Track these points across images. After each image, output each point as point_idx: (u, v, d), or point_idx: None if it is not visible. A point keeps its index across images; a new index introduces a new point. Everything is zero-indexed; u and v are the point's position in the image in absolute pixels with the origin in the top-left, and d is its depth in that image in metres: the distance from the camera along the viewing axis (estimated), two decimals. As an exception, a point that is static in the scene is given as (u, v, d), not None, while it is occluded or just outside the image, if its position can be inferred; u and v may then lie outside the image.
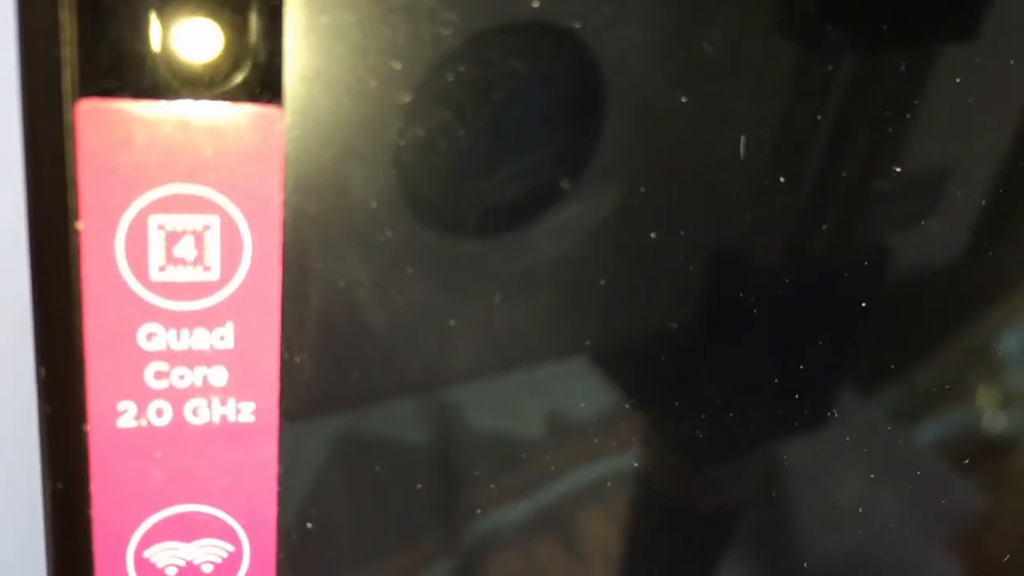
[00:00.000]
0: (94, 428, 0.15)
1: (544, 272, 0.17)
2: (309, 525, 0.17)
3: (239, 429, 0.16)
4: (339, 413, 0.16)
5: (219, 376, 0.15)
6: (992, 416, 0.22)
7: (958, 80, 0.18)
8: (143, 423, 0.15)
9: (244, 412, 0.16)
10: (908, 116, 0.18)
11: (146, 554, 0.16)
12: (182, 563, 0.16)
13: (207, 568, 0.16)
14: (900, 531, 0.22)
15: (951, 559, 0.23)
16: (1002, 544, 0.23)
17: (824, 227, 0.18)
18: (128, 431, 0.15)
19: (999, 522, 0.23)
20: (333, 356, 0.16)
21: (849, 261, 0.19)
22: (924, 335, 0.21)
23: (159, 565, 0.16)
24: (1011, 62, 0.18)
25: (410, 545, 0.18)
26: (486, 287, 0.17)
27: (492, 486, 0.18)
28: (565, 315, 0.17)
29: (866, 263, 0.19)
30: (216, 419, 0.15)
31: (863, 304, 0.19)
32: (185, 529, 0.16)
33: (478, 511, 0.18)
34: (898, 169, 0.18)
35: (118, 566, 0.16)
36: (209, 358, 0.15)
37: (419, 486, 0.18)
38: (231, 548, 0.16)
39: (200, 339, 0.15)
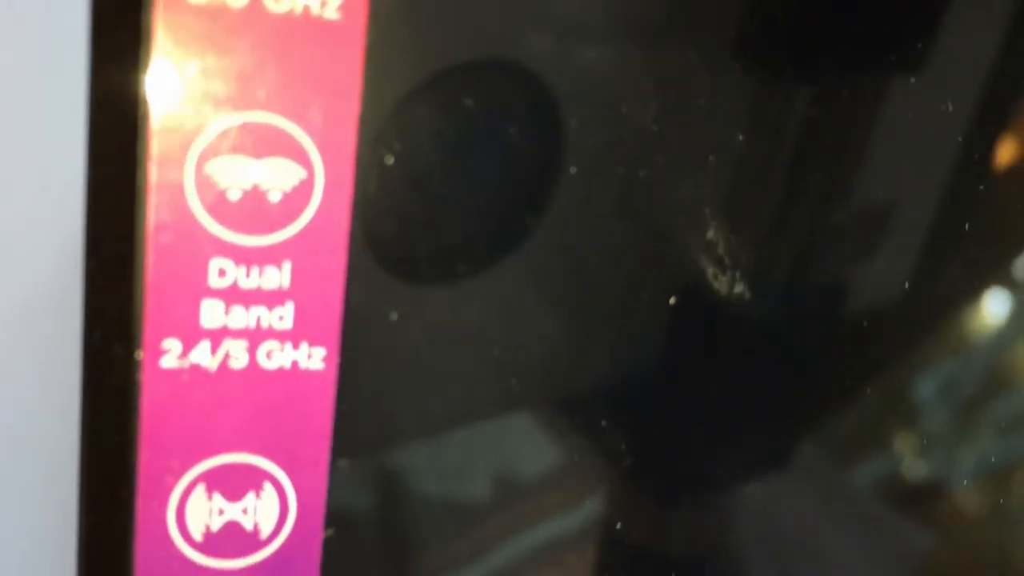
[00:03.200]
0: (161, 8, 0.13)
1: (492, 320, 0.16)
2: (390, 161, 0.15)
3: (322, 26, 0.14)
4: (433, 32, 0.14)
5: (305, -45, 0.13)
6: (916, 461, 0.21)
7: (878, 128, 0.18)
8: (214, 4, 0.13)
9: (330, 6, 0.14)
10: (830, 164, 0.18)
11: (208, 168, 0.14)
12: (248, 185, 0.14)
13: (275, 196, 0.14)
14: (850, 571, 0.22)
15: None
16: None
17: (768, 271, 0.18)
18: (198, 8, 0.13)
19: (948, 562, 0.22)
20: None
21: (790, 303, 0.19)
22: (866, 377, 0.20)
23: (220, 185, 0.14)
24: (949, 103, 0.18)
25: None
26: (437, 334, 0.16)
27: (442, 549, 0.18)
28: (513, 368, 0.17)
29: (809, 304, 0.19)
30: (298, 9, 0.13)
31: (806, 346, 0.19)
32: (254, 142, 0.14)
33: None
34: (834, 212, 0.18)
35: (175, 178, 0.14)
36: (296, -71, 0.13)
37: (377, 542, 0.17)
38: (303, 174, 0.14)
39: (287, -96, 0.13)
